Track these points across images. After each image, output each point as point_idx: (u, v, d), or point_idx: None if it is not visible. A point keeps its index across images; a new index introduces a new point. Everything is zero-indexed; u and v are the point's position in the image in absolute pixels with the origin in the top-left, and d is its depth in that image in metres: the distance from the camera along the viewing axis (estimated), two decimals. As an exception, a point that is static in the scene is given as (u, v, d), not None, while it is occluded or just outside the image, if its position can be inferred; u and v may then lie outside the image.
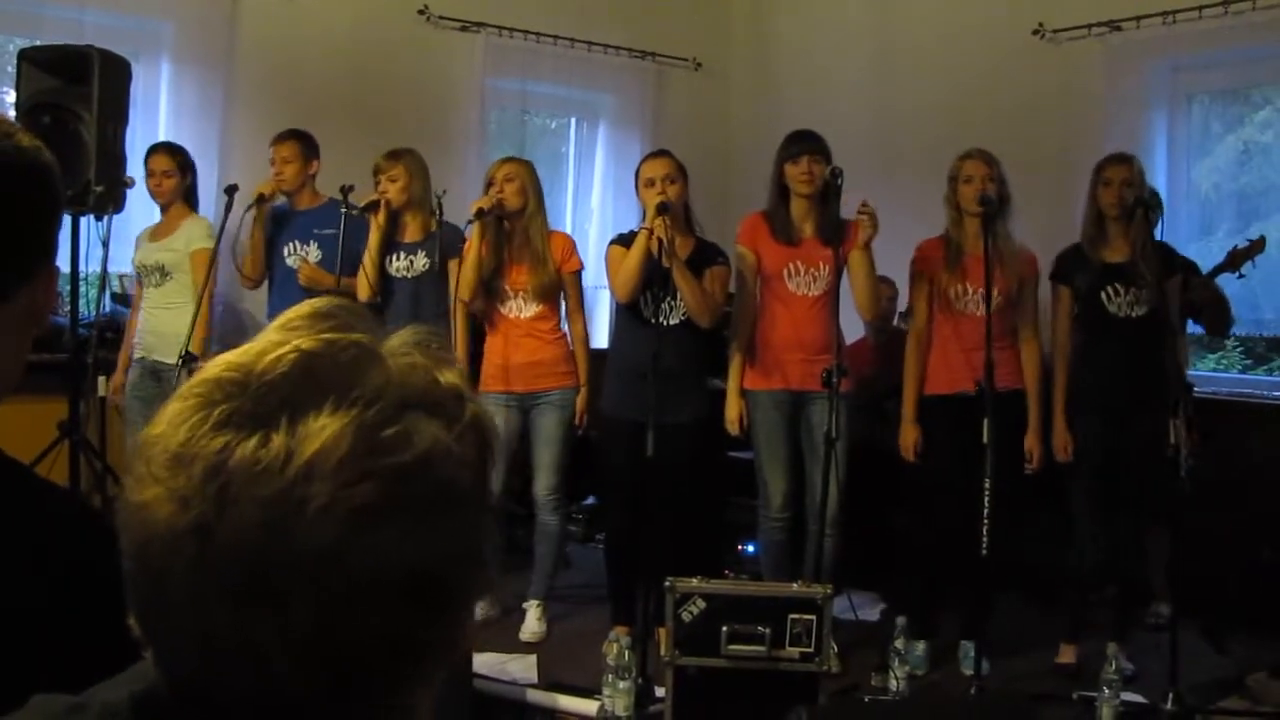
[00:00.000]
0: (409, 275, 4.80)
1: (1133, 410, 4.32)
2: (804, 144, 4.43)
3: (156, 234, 5.00)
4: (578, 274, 4.73)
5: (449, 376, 0.76)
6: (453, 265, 4.68)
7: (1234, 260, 4.67)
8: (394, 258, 4.82)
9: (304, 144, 5.00)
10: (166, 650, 0.72)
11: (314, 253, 4.97)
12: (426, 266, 4.78)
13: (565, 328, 4.76)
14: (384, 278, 4.79)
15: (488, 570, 0.77)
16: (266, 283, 5.12)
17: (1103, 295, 4.37)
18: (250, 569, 0.67)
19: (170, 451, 0.69)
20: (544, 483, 4.65)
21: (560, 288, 4.66)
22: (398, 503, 0.69)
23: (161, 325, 4.89)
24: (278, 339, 0.73)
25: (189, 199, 5.06)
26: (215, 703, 0.71)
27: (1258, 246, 4.64)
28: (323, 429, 0.68)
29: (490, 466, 0.77)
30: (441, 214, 4.67)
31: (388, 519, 0.68)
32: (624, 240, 4.48)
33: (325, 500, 0.67)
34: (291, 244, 5.00)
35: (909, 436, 4.47)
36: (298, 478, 0.67)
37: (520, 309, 4.62)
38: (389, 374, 0.73)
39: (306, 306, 0.77)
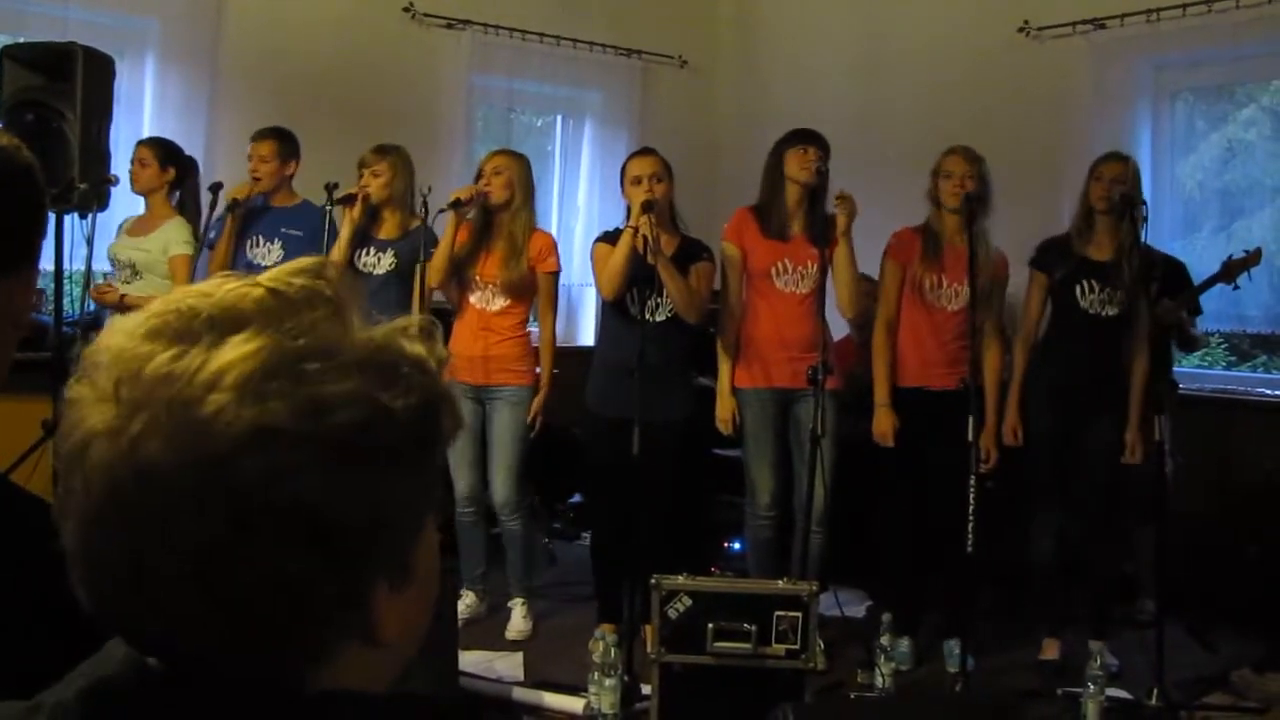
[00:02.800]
0: (375, 271, 4.76)
1: (1089, 409, 4.34)
2: (810, 138, 4.44)
3: (135, 228, 4.96)
4: (553, 275, 4.69)
5: (416, 348, 0.76)
6: (419, 268, 4.62)
7: (1229, 271, 4.69)
8: (364, 252, 4.77)
9: (283, 143, 4.93)
10: (87, 584, 0.72)
11: (275, 251, 4.88)
12: (392, 266, 4.74)
13: (535, 326, 4.74)
14: (352, 271, 4.75)
15: (402, 539, 0.75)
16: None
17: (1076, 289, 4.38)
18: (146, 478, 0.67)
19: (102, 356, 0.72)
20: (499, 490, 4.58)
21: (532, 286, 4.63)
22: (304, 432, 0.68)
23: None
24: (250, 278, 0.76)
25: (183, 195, 5.01)
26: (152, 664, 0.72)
27: (1254, 259, 4.66)
28: (239, 344, 0.70)
29: (434, 439, 0.76)
30: (427, 212, 4.65)
31: (291, 446, 0.68)
32: (609, 238, 4.48)
33: (220, 409, 0.67)
34: (255, 238, 4.91)
35: (884, 423, 4.45)
36: (201, 385, 0.68)
37: (487, 301, 4.61)
38: (337, 321, 0.74)
39: (295, 263, 0.79)
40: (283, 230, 4.89)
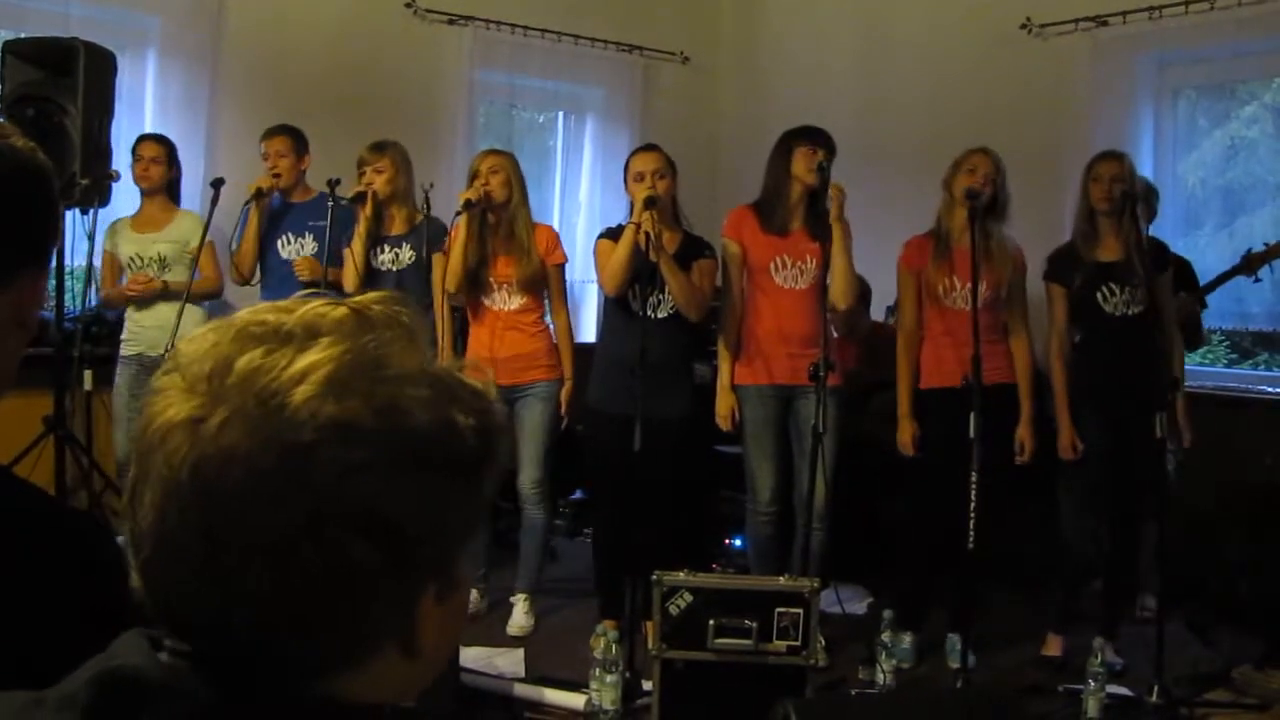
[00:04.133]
0: (394, 268, 4.80)
1: (1131, 410, 4.31)
2: (821, 140, 4.43)
3: (143, 226, 4.98)
4: (561, 267, 4.73)
5: (474, 380, 0.82)
6: (437, 258, 4.67)
7: (1250, 264, 4.71)
8: (379, 250, 4.81)
9: (295, 139, 5.00)
10: (152, 563, 0.75)
11: (309, 244, 4.95)
12: (412, 259, 4.78)
13: (549, 320, 4.76)
14: (368, 270, 4.78)
15: (453, 550, 0.79)
16: (258, 278, 5.09)
17: (1098, 295, 4.37)
18: (228, 463, 0.71)
19: (192, 354, 0.76)
20: (528, 476, 4.63)
21: (544, 280, 4.65)
22: (382, 432, 0.73)
23: (163, 319, 4.84)
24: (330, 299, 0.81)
25: (171, 192, 5.05)
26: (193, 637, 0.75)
27: (1275, 251, 4.67)
28: (324, 347, 0.74)
29: (490, 463, 0.80)
30: (429, 208, 4.66)
31: (369, 443, 0.72)
32: (612, 234, 4.48)
33: (305, 400, 0.72)
34: (285, 236, 4.99)
35: (906, 432, 4.45)
36: (288, 379, 0.72)
37: (505, 301, 4.62)
38: (410, 346, 0.79)
39: (375, 294, 0.84)
40: (310, 224, 4.96)
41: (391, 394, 0.74)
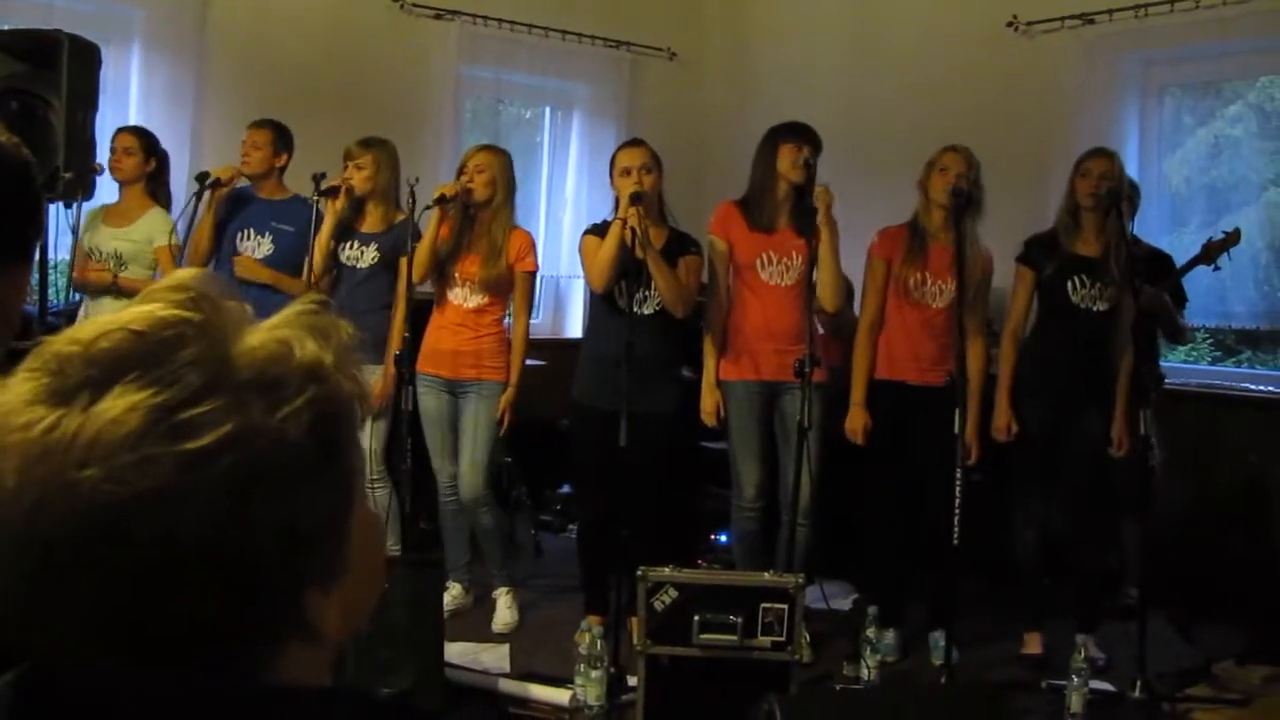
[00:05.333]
0: (358, 264, 4.75)
1: (1079, 403, 4.36)
2: (808, 137, 4.43)
3: (113, 218, 4.90)
4: (530, 275, 4.67)
5: (310, 349, 0.74)
6: (403, 262, 4.59)
7: (1209, 253, 4.69)
8: (348, 245, 4.76)
9: (277, 134, 4.92)
10: (11, 630, 0.72)
11: (265, 245, 4.85)
12: (375, 260, 4.73)
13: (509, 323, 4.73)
14: (336, 264, 4.75)
15: (323, 546, 0.75)
16: (213, 266, 5.02)
17: (1068, 284, 4.39)
18: (44, 553, 0.67)
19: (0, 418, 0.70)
20: (467, 486, 4.59)
21: (510, 284, 4.62)
22: (189, 485, 0.67)
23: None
24: (118, 317, 0.73)
25: (153, 187, 4.97)
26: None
27: (1233, 239, 4.66)
28: (110, 409, 0.68)
29: (338, 445, 0.75)
30: (414, 204, 4.63)
31: (179, 502, 0.67)
32: (598, 230, 4.47)
33: (100, 481, 0.67)
34: (246, 230, 4.88)
35: (857, 420, 4.46)
36: (78, 458, 0.67)
37: (464, 298, 4.60)
38: (213, 353, 0.72)
39: (167, 279, 0.77)
40: (273, 224, 4.87)
41: (192, 444, 0.68)
